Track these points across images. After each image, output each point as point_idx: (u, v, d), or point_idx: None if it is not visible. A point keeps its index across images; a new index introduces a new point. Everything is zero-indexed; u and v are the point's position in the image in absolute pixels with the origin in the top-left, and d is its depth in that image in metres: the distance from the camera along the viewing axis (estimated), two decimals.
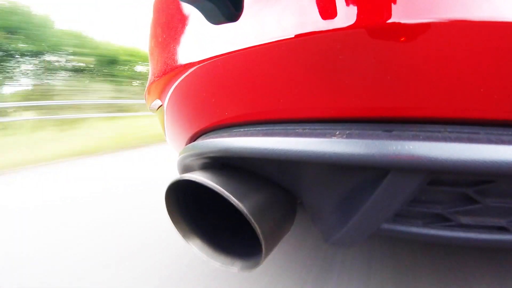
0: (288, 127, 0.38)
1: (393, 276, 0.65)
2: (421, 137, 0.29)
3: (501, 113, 0.28)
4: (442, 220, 0.40)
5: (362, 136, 0.31)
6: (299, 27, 0.31)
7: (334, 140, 0.32)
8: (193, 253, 0.79)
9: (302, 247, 0.80)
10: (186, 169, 0.58)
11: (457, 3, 0.25)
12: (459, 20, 0.25)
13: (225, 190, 0.38)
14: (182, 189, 0.48)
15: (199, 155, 0.47)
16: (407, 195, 0.33)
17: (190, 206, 0.52)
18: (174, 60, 0.48)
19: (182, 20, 0.47)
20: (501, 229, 0.38)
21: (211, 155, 0.45)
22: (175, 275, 0.72)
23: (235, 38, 0.37)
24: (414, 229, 0.41)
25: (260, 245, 0.39)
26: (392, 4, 0.26)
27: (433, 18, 0.26)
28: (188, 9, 0.45)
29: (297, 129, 0.37)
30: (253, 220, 0.37)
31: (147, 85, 0.67)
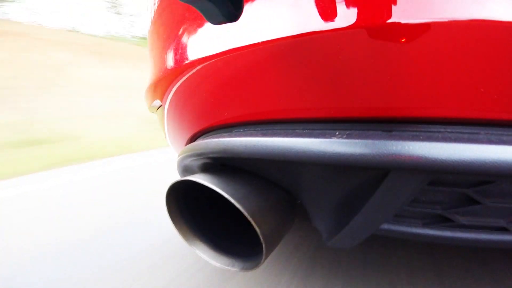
0: (288, 127, 0.38)
1: None
2: (421, 137, 0.29)
3: (501, 113, 0.28)
4: (442, 221, 0.40)
5: (362, 136, 0.31)
6: (299, 27, 0.31)
7: (334, 140, 0.32)
8: None
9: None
10: (186, 169, 0.58)
11: (456, 3, 0.25)
12: (459, 20, 0.25)
13: (226, 191, 0.38)
14: (183, 191, 0.48)
15: (199, 155, 0.47)
16: (407, 195, 0.33)
17: (191, 208, 0.51)
18: (174, 60, 0.48)
19: (182, 20, 0.47)
20: (501, 229, 0.38)
21: (211, 155, 0.45)
22: None
23: (235, 38, 0.37)
24: (414, 230, 0.41)
25: (261, 246, 0.39)
26: (392, 4, 0.26)
27: (433, 18, 0.26)
28: (188, 9, 0.45)
29: (297, 129, 0.37)
30: (253, 221, 0.37)
31: (147, 86, 0.67)
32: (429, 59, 0.27)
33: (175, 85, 0.50)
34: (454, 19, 0.25)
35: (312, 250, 0.78)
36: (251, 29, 0.35)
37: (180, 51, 0.47)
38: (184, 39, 0.46)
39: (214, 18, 0.33)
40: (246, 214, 0.37)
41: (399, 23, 0.26)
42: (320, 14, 0.30)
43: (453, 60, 0.27)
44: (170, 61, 0.49)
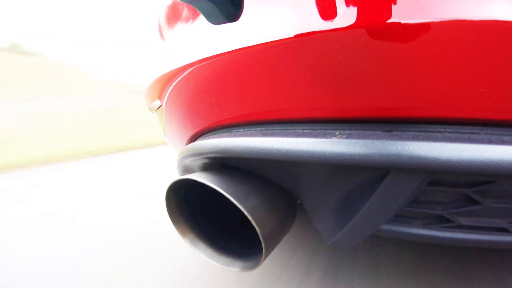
0: (288, 127, 0.38)
1: None
2: (421, 137, 0.29)
3: (501, 113, 0.28)
4: (442, 221, 0.39)
5: (362, 136, 0.31)
6: (299, 27, 0.31)
7: (334, 140, 0.32)
8: None
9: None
10: (186, 169, 0.58)
11: (456, 3, 0.25)
12: (459, 20, 0.25)
13: (226, 191, 0.38)
14: (182, 190, 0.48)
15: (199, 155, 0.47)
16: (407, 195, 0.33)
17: (191, 207, 0.52)
18: (174, 60, 0.48)
19: (182, 20, 0.47)
20: (501, 230, 0.38)
21: (211, 155, 0.45)
22: None
23: (235, 38, 0.37)
24: (414, 230, 0.41)
25: (260, 245, 0.39)
26: (392, 4, 0.26)
27: (433, 18, 0.26)
28: (188, 9, 0.45)
29: (297, 129, 0.37)
30: (253, 221, 0.37)
31: (147, 85, 0.67)
32: (429, 59, 0.27)
33: (175, 85, 0.50)
34: (454, 19, 0.25)
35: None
36: (250, 29, 0.35)
37: (180, 51, 0.47)
38: (184, 38, 0.46)
39: (214, 18, 0.33)
40: (246, 213, 0.37)
41: (399, 23, 0.26)
42: (320, 14, 0.30)
43: (453, 60, 0.27)
44: (169, 61, 0.50)
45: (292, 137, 0.36)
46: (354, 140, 0.31)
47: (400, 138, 0.30)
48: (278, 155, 0.36)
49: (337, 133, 0.33)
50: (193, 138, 0.54)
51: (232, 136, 0.42)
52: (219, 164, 0.52)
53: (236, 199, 0.37)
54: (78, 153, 3.06)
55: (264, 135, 0.38)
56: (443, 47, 0.26)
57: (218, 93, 0.43)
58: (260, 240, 0.38)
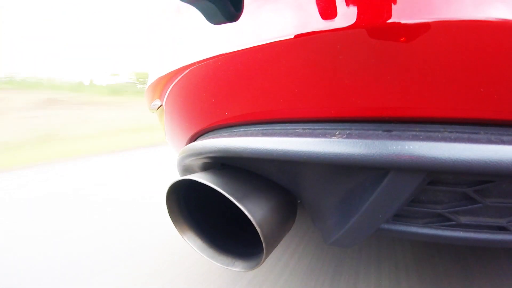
0: (288, 127, 0.38)
1: None
2: (421, 137, 0.29)
3: (501, 113, 0.28)
4: (442, 220, 0.40)
5: (362, 136, 0.31)
6: (299, 27, 0.31)
7: (334, 140, 0.32)
8: None
9: None
10: (186, 169, 0.58)
11: (456, 3, 0.25)
12: (458, 20, 0.25)
13: (226, 191, 0.38)
14: (183, 189, 0.48)
15: (199, 155, 0.47)
16: (407, 195, 0.33)
17: (191, 207, 0.52)
18: (174, 60, 0.48)
19: (182, 20, 0.47)
20: (501, 228, 0.38)
21: (211, 155, 0.45)
22: None
23: (235, 38, 0.37)
24: (414, 229, 0.41)
25: (261, 245, 0.39)
26: (392, 4, 0.26)
27: (433, 18, 0.26)
28: (188, 9, 0.45)
29: (297, 129, 0.37)
30: (254, 221, 0.37)
31: (147, 85, 0.67)
32: (429, 59, 0.27)
33: (175, 85, 0.50)
34: (454, 19, 0.25)
35: None
36: (250, 29, 0.35)
37: (180, 51, 0.47)
38: (184, 38, 0.46)
39: (214, 18, 0.33)
40: (247, 213, 0.37)
41: (399, 23, 0.26)
42: (320, 14, 0.30)
43: (453, 60, 0.27)
44: (169, 61, 0.49)
45: (292, 137, 0.36)
46: (354, 140, 0.31)
47: (400, 138, 0.30)
48: (278, 155, 0.36)
49: (337, 132, 0.33)
50: (193, 138, 0.54)
51: (232, 136, 0.42)
52: (219, 164, 0.52)
53: (236, 199, 0.37)
54: None
55: (264, 135, 0.38)
56: (443, 47, 0.26)
57: (218, 93, 0.43)
58: (260, 240, 0.38)
